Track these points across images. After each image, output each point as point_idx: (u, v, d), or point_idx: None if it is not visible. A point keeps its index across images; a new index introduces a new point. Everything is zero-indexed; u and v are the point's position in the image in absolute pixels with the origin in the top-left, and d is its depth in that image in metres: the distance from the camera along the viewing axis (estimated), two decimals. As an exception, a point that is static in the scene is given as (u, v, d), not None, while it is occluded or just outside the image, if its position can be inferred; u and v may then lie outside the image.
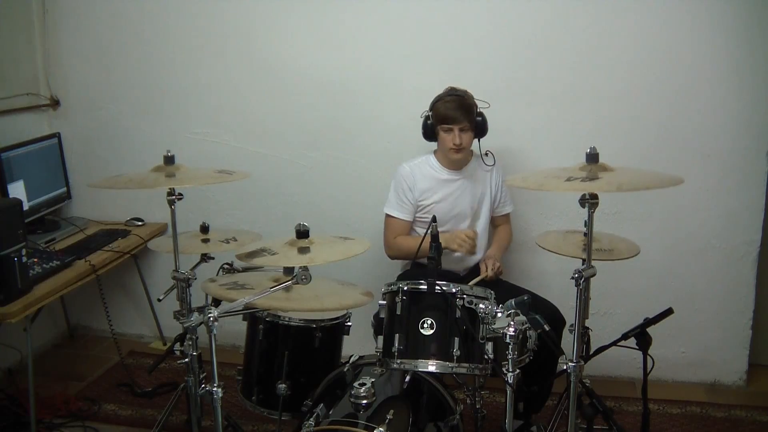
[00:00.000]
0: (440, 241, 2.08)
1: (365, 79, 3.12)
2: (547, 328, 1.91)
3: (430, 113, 2.65)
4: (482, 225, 2.78)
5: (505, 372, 1.89)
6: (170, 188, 2.27)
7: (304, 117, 3.22)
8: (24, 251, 2.42)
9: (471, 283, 2.22)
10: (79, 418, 2.86)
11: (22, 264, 2.42)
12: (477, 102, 2.65)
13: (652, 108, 2.91)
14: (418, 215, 2.74)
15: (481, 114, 2.64)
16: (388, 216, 2.74)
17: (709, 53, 2.83)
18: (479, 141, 2.70)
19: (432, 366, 1.98)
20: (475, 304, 1.99)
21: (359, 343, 2.46)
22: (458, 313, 1.97)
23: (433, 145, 2.75)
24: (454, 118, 2.58)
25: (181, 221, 2.29)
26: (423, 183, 2.70)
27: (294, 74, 3.18)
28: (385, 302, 2.09)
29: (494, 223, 2.87)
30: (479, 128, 2.65)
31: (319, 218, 3.11)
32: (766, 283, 3.09)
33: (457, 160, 2.69)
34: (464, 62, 3.00)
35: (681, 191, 2.91)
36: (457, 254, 2.64)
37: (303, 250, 1.91)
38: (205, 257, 2.56)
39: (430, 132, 2.67)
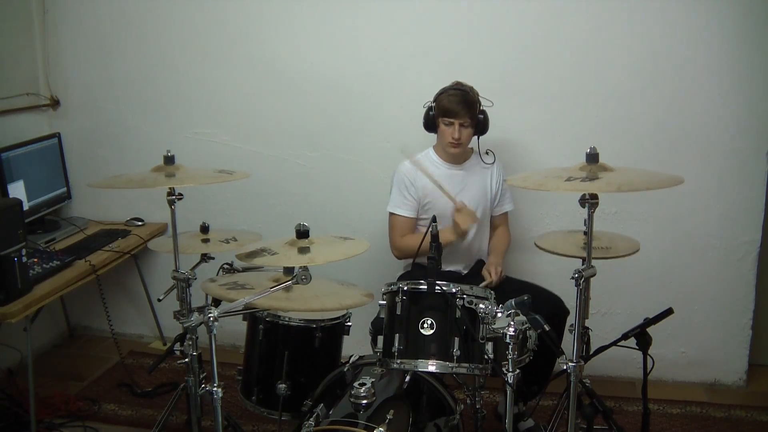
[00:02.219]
0: (441, 240, 2.07)
1: (365, 79, 3.12)
2: (547, 328, 1.91)
3: (432, 104, 2.65)
4: (483, 220, 2.78)
5: (505, 372, 1.90)
6: (170, 188, 2.27)
7: (304, 117, 3.22)
8: (24, 251, 2.42)
9: (481, 285, 2.24)
10: (79, 418, 2.86)
11: (22, 264, 2.42)
12: (481, 100, 2.64)
13: (652, 108, 2.91)
14: (419, 214, 2.73)
15: (483, 112, 2.64)
16: (392, 215, 2.73)
17: (709, 53, 2.83)
18: (478, 139, 2.70)
19: (432, 366, 1.98)
20: (475, 304, 1.99)
21: (359, 343, 2.46)
22: (458, 313, 1.97)
23: (432, 139, 2.75)
24: (455, 112, 2.57)
25: (181, 221, 2.29)
26: (424, 178, 2.70)
27: (294, 74, 3.18)
28: (385, 302, 2.09)
29: (493, 223, 2.87)
30: (480, 126, 2.65)
31: (319, 218, 3.11)
32: (766, 283, 3.09)
33: (456, 155, 2.69)
34: (464, 62, 3.00)
35: (681, 191, 2.91)
36: (470, 236, 2.66)
37: (303, 250, 1.91)
38: (205, 257, 2.56)
39: (431, 123, 2.67)
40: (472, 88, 2.64)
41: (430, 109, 2.66)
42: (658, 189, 1.98)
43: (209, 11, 3.20)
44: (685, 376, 3.18)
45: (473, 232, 2.72)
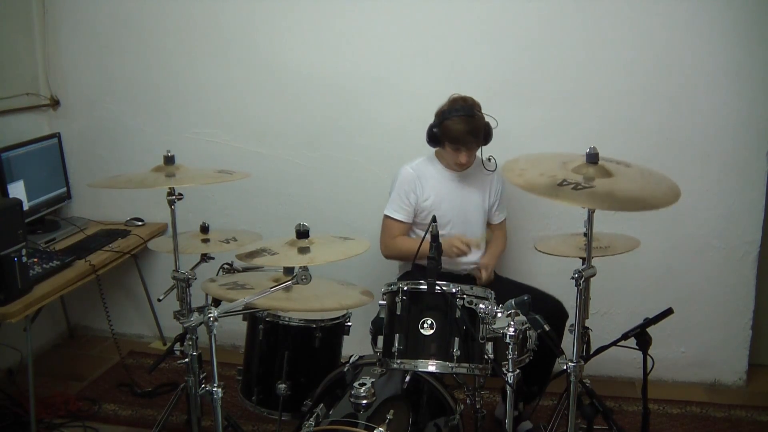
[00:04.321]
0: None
1: (365, 80, 3.12)
2: (547, 328, 1.91)
3: (437, 126, 2.58)
4: (481, 227, 2.78)
5: (505, 372, 1.90)
6: (170, 188, 2.27)
7: (304, 117, 3.22)
8: (24, 251, 2.42)
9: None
10: (79, 418, 2.86)
11: (22, 264, 2.42)
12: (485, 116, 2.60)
13: (652, 108, 2.91)
14: (418, 218, 2.73)
15: (487, 124, 2.59)
16: (387, 217, 2.73)
17: (709, 53, 2.83)
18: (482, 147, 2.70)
19: (432, 366, 1.98)
20: (475, 304, 1.99)
21: (359, 343, 2.46)
22: (458, 313, 1.97)
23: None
24: (465, 141, 2.53)
25: (181, 221, 2.29)
26: (426, 183, 2.69)
27: (294, 74, 3.18)
28: (385, 302, 2.09)
29: (491, 230, 2.86)
30: (485, 141, 2.62)
31: (319, 218, 3.11)
32: (766, 283, 3.09)
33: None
34: (464, 62, 3.00)
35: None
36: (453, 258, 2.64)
37: (303, 250, 1.91)
38: (205, 257, 2.57)
39: (435, 139, 2.62)
40: (473, 106, 2.55)
41: (433, 126, 2.60)
42: (651, 210, 1.94)
43: (210, 11, 3.19)
44: (685, 376, 3.18)
45: (459, 220, 2.72)
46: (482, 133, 2.57)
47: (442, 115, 2.57)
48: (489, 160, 2.74)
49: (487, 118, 2.60)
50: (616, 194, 1.82)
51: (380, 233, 2.77)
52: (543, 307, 2.01)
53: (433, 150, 2.76)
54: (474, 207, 2.74)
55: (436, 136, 2.61)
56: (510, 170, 1.98)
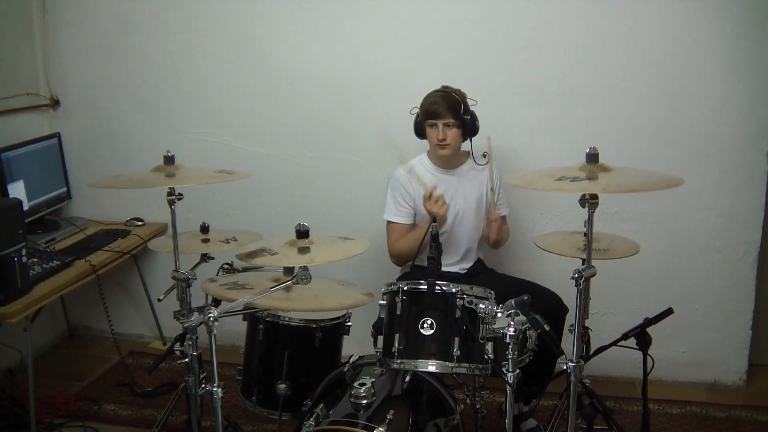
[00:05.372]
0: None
1: (365, 80, 3.12)
2: (547, 328, 1.91)
3: (418, 110, 2.65)
4: (479, 225, 2.78)
5: (505, 372, 1.90)
6: (170, 188, 2.27)
7: (304, 117, 3.22)
8: (24, 251, 2.42)
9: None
10: (79, 418, 2.86)
11: (22, 264, 2.42)
12: (468, 101, 2.62)
13: (652, 108, 2.91)
14: (416, 218, 2.73)
15: (471, 113, 2.61)
16: (389, 222, 2.73)
17: (709, 53, 2.83)
18: (471, 141, 2.69)
19: (432, 366, 1.97)
20: (475, 304, 1.99)
21: (359, 343, 2.47)
22: (458, 313, 1.97)
23: (427, 145, 2.75)
24: (437, 113, 2.57)
25: (181, 221, 2.30)
26: (418, 185, 2.69)
27: (294, 74, 3.18)
28: (385, 302, 2.09)
29: None
30: (468, 127, 2.62)
31: (319, 218, 3.11)
32: (766, 283, 3.09)
33: (446, 158, 2.67)
34: (464, 62, 3.00)
35: (681, 191, 2.89)
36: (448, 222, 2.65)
37: (303, 250, 1.91)
38: (205, 257, 2.57)
39: (420, 129, 2.68)
40: (458, 91, 2.62)
41: (417, 115, 2.66)
42: (647, 191, 1.97)
43: (209, 11, 3.20)
44: (685, 376, 3.18)
45: (455, 221, 2.72)
46: (459, 107, 2.57)
47: (424, 97, 2.64)
48: (483, 156, 2.74)
49: (470, 102, 2.62)
50: (617, 181, 1.84)
51: (386, 240, 2.75)
52: (542, 302, 2.01)
53: (425, 151, 2.76)
54: (473, 204, 2.73)
55: (419, 123, 2.66)
56: (511, 178, 2.03)
